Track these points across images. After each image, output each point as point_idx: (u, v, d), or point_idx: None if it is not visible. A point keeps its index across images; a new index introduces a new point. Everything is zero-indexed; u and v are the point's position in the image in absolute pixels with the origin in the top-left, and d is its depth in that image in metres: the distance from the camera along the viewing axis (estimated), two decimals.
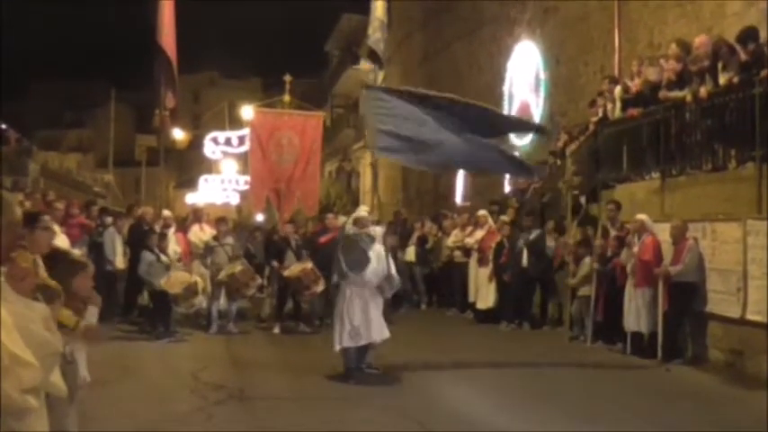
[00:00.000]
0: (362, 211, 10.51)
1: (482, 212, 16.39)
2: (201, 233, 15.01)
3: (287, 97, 22.22)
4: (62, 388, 4.22)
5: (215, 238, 14.24)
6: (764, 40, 10.77)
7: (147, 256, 12.88)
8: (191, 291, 12.57)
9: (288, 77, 22.08)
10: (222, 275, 13.53)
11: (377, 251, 9.73)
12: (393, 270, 9.91)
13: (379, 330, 9.65)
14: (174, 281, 12.60)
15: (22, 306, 3.87)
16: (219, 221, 14.87)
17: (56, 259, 5.04)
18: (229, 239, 14.30)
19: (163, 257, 13.07)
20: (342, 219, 14.93)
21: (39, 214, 5.06)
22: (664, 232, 11.35)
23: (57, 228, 12.92)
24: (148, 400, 8.48)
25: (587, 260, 12.85)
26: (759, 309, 9.72)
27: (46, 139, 66.29)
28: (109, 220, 14.67)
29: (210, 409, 8.06)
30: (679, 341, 11.02)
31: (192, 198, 39.25)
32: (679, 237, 10.99)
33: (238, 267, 13.58)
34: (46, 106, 76.18)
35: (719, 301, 10.51)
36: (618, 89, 14.10)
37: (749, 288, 9.93)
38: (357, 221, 9.97)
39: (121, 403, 8.08)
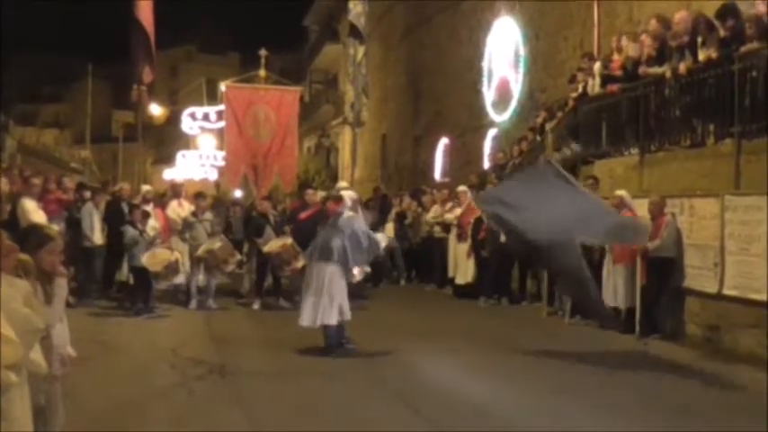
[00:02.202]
0: (341, 184, 10.49)
1: (462, 188, 16.41)
2: (180, 209, 14.89)
3: (263, 72, 22.11)
4: (42, 365, 4.22)
5: (193, 213, 14.16)
6: (744, 17, 10.77)
7: (130, 231, 12.77)
8: (171, 269, 12.54)
9: (263, 52, 21.95)
10: (201, 251, 13.48)
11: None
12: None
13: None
14: (155, 259, 12.53)
15: (6, 284, 3.85)
16: (198, 197, 14.76)
17: (25, 233, 4.99)
18: (208, 215, 14.24)
19: (145, 234, 12.99)
20: (321, 194, 14.91)
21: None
22: (642, 208, 11.40)
23: (34, 203, 12.87)
24: (128, 376, 8.46)
25: None
26: (736, 284, 9.82)
27: (23, 114, 65.57)
28: (87, 194, 14.53)
29: (191, 385, 8.06)
30: (656, 316, 11.08)
31: (169, 174, 38.96)
32: (657, 212, 11.04)
33: (217, 243, 13.54)
34: (24, 80, 75.18)
35: (697, 277, 10.59)
36: (597, 65, 14.09)
37: (726, 263, 10.01)
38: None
39: (101, 379, 8.05)
